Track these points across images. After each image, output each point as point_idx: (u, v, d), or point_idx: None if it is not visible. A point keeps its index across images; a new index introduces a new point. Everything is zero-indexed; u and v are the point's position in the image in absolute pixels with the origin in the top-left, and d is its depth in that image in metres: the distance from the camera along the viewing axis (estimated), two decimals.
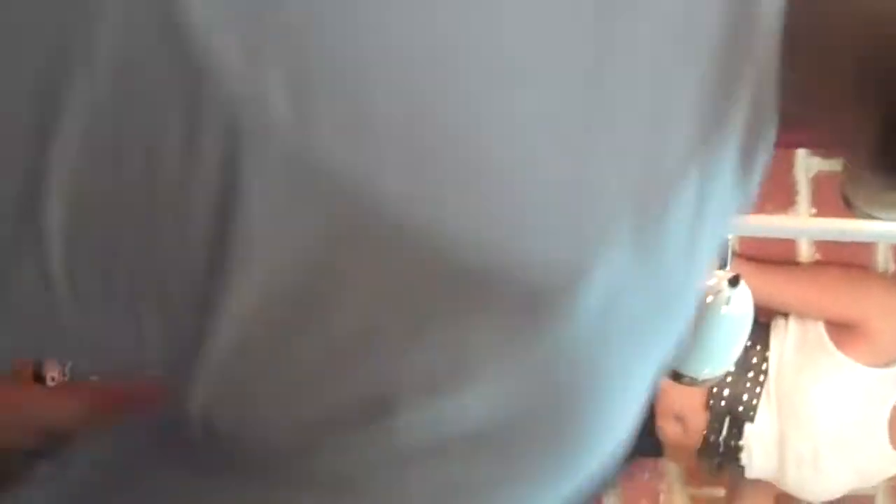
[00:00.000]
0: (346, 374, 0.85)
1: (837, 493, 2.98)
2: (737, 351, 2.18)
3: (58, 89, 0.84)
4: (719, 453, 2.88)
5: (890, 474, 2.93)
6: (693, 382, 2.21)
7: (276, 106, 0.82)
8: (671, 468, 3.20)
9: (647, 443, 2.90)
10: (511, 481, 0.89)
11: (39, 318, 0.92)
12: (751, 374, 2.82)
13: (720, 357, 2.19)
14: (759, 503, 3.07)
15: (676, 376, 2.16)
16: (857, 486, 2.96)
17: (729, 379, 2.80)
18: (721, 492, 3.13)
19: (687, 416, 2.86)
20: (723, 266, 2.02)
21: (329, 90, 0.83)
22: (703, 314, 2.13)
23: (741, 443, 2.85)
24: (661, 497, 3.26)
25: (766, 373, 2.82)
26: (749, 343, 2.59)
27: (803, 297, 2.88)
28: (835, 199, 2.41)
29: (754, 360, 2.82)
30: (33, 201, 0.86)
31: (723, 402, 2.82)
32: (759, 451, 2.85)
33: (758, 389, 2.82)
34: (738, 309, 2.16)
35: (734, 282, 2.12)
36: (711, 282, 2.14)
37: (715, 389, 2.82)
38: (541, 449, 0.89)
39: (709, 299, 2.15)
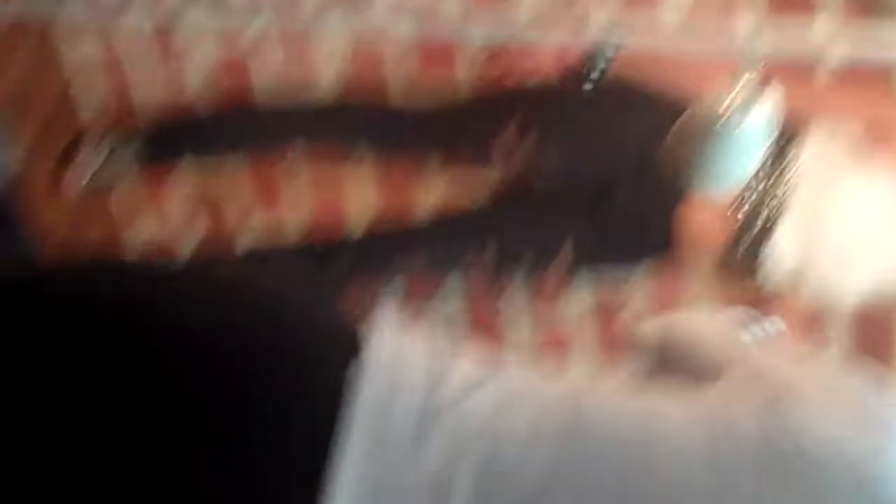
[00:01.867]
0: None
1: (859, 298, 3.01)
2: (752, 166, 2.18)
3: None
4: (743, 262, 2.91)
5: None
6: (712, 195, 2.21)
7: None
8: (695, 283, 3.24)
9: (671, 250, 2.94)
10: None
11: None
12: (775, 183, 2.83)
13: (745, 164, 2.18)
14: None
15: (701, 189, 2.16)
16: (879, 292, 2.99)
17: (753, 187, 2.81)
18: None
19: (713, 225, 2.89)
20: (751, 72, 2.00)
21: None
22: (721, 129, 2.12)
23: (765, 252, 2.87)
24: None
25: (790, 181, 2.83)
26: (774, 150, 2.60)
27: (829, 105, 2.87)
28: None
29: (779, 168, 2.83)
30: None
31: (748, 212, 2.84)
32: (781, 259, 2.88)
33: (782, 198, 2.83)
34: (755, 125, 2.16)
35: (753, 98, 2.11)
36: (730, 97, 2.12)
37: (741, 198, 2.83)
38: None
39: (727, 114, 2.15)
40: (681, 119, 2.23)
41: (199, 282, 1.56)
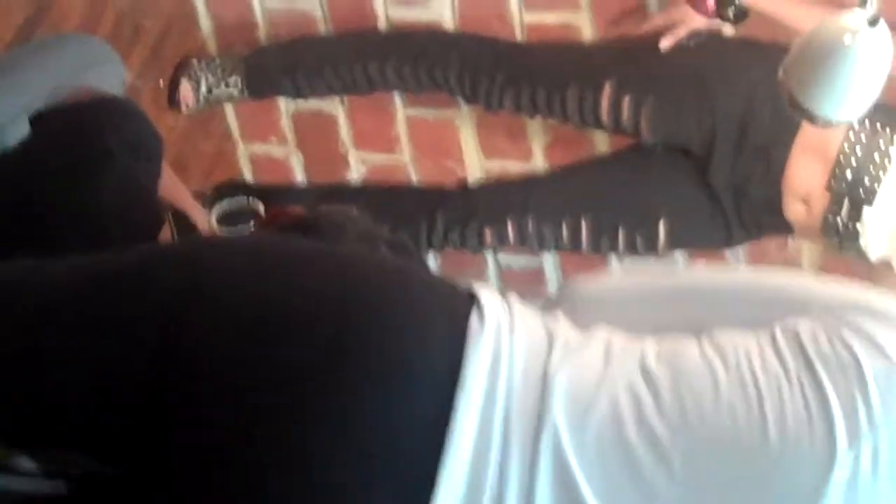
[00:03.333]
0: None
1: None
2: (873, 94, 2.14)
3: None
4: (839, 233, 2.87)
5: None
6: (827, 124, 2.18)
7: None
8: (803, 244, 3.22)
9: (775, 222, 2.91)
10: None
11: None
12: (875, 156, 2.79)
13: (857, 98, 2.16)
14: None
15: (812, 117, 2.14)
16: None
17: (853, 162, 2.77)
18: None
19: (811, 197, 2.86)
20: (863, 4, 1.97)
21: None
22: (841, 54, 2.09)
23: (859, 225, 2.83)
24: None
25: (890, 157, 2.79)
26: (879, 124, 2.57)
27: None
28: None
29: (881, 143, 2.79)
30: None
31: (844, 184, 2.81)
32: (876, 233, 2.84)
33: (881, 173, 2.79)
34: (876, 50, 2.11)
35: (873, 21, 2.07)
36: (852, 20, 2.08)
37: (837, 171, 2.79)
38: None
39: (846, 38, 2.11)
40: (799, 40, 2.21)
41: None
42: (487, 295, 1.55)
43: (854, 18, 2.10)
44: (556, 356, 1.51)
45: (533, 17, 3.22)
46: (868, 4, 2.05)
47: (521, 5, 3.21)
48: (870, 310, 1.56)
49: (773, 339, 1.55)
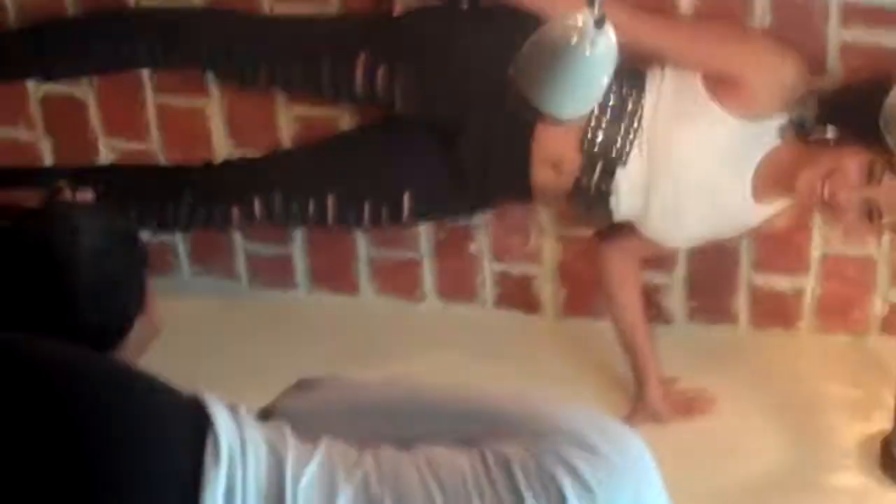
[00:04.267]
0: None
1: (696, 241, 3.09)
2: (599, 91, 2.22)
3: None
4: (589, 196, 2.97)
5: (751, 225, 3.04)
6: (556, 121, 2.25)
7: None
8: (542, 211, 3.31)
9: (520, 187, 2.97)
10: None
11: None
12: (625, 121, 2.91)
13: (583, 97, 2.24)
14: (626, 252, 3.18)
15: (540, 115, 2.20)
16: (717, 234, 3.08)
17: (603, 124, 2.89)
18: (589, 232, 3.24)
19: (562, 161, 2.95)
20: (591, 5, 2.03)
21: None
22: (566, 53, 2.16)
23: (611, 187, 2.94)
24: (532, 236, 3.37)
25: (640, 119, 2.90)
26: (625, 90, 2.69)
27: (679, 47, 2.93)
28: None
29: (629, 107, 2.92)
30: None
31: (596, 147, 2.93)
32: (626, 195, 2.96)
33: (631, 136, 2.92)
34: (601, 51, 2.18)
35: (599, 23, 2.14)
36: (576, 21, 2.15)
37: (589, 135, 2.92)
38: None
39: (573, 39, 2.17)
40: (527, 41, 2.28)
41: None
42: (220, 416, 1.61)
43: (581, 19, 2.18)
44: (287, 478, 1.60)
45: (283, 7, 3.26)
46: (595, 6, 2.12)
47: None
48: (579, 441, 1.68)
49: (486, 464, 1.67)
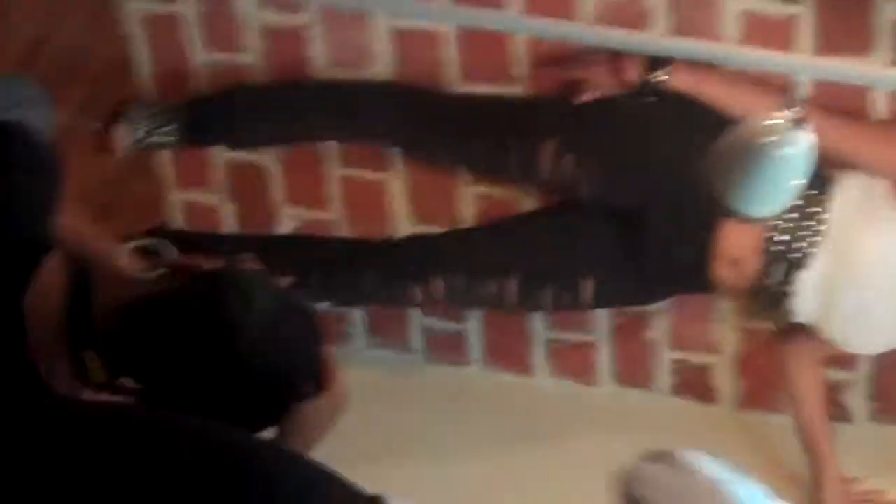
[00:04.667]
0: None
1: (879, 349, 3.01)
2: (793, 192, 2.19)
3: None
4: (770, 296, 2.92)
5: None
6: (746, 220, 2.21)
7: None
8: (723, 301, 3.26)
9: (700, 280, 2.94)
10: None
11: None
12: (811, 223, 2.85)
13: (776, 197, 2.20)
14: (807, 351, 3.11)
15: (733, 213, 2.17)
16: None
17: (789, 225, 2.84)
18: (771, 324, 3.18)
19: (743, 258, 2.91)
20: (790, 106, 1.99)
21: None
22: (763, 153, 2.13)
23: (793, 288, 2.88)
24: (712, 327, 3.32)
25: (825, 223, 2.84)
26: (813, 192, 2.64)
27: (873, 151, 2.88)
28: None
29: (815, 209, 2.86)
30: None
31: (779, 248, 2.87)
32: (809, 298, 2.90)
33: (816, 238, 2.85)
34: (798, 150, 2.16)
35: (799, 123, 2.11)
36: (775, 121, 2.13)
37: (773, 235, 2.86)
38: None
39: (771, 137, 2.15)
40: (722, 138, 2.25)
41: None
42: None
43: (779, 120, 2.14)
44: None
45: (470, 88, 3.25)
46: (794, 107, 2.09)
47: (459, 74, 3.24)
48: None
49: None
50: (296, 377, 1.87)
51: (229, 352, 1.79)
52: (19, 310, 1.73)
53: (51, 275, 1.80)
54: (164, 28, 3.42)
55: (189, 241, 3.32)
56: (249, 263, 2.04)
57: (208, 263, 2.03)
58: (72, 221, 2.07)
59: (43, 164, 1.92)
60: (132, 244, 1.93)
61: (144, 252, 2.06)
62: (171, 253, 1.82)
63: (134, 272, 1.81)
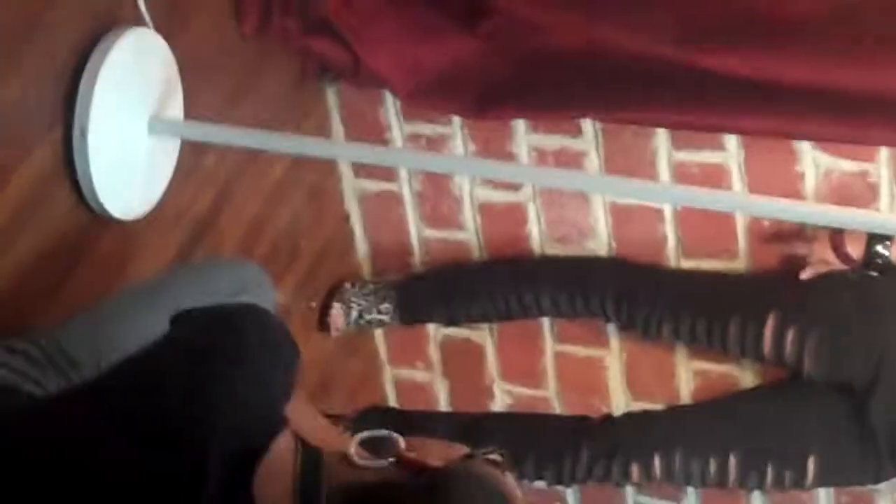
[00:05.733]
0: None
1: None
2: None
3: None
4: None
5: None
6: None
7: None
8: None
9: None
10: None
11: None
12: None
13: None
14: None
15: None
16: None
17: None
18: None
19: None
20: None
21: None
22: None
23: None
24: None
25: None
26: None
27: None
28: None
29: None
30: None
31: None
32: None
33: None
34: None
35: None
36: None
37: None
38: None
39: None
40: None
41: None
42: None
43: None
44: None
45: (690, 263, 3.23)
46: None
47: (678, 250, 3.21)
48: None
49: None
50: None
51: None
52: (248, 489, 1.74)
53: (282, 456, 1.80)
54: (381, 206, 3.48)
55: (404, 420, 3.34)
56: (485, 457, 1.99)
57: (435, 454, 2.00)
58: (300, 404, 2.07)
59: (280, 346, 1.93)
60: (363, 435, 1.91)
61: (372, 441, 2.04)
62: (398, 442, 1.80)
63: (362, 460, 1.79)
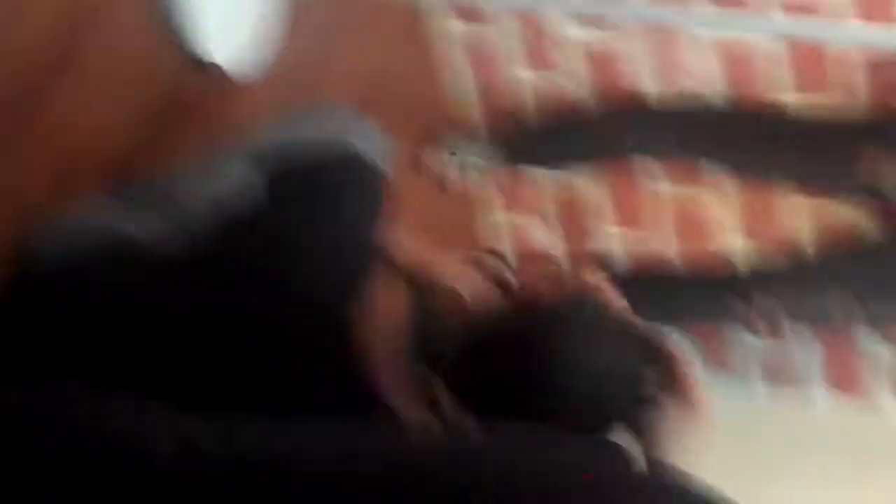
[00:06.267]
0: None
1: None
2: None
3: None
4: None
5: None
6: None
7: None
8: None
9: None
10: None
11: None
12: None
13: None
14: None
15: None
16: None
17: None
18: None
19: None
20: None
21: None
22: None
23: None
24: None
25: None
26: None
27: None
28: None
29: None
30: None
31: None
32: None
33: None
34: None
35: None
36: None
37: None
38: None
39: None
40: None
41: None
42: None
43: None
44: None
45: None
46: None
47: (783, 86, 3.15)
48: None
49: None
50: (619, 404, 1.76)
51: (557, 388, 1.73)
52: (343, 315, 1.75)
53: (391, 293, 1.81)
54: (480, 49, 3.42)
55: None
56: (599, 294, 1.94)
57: (544, 286, 1.95)
58: (411, 244, 2.07)
59: (362, 177, 1.94)
60: (475, 264, 1.88)
61: (485, 274, 2.02)
62: (511, 276, 1.78)
63: (476, 296, 1.77)
